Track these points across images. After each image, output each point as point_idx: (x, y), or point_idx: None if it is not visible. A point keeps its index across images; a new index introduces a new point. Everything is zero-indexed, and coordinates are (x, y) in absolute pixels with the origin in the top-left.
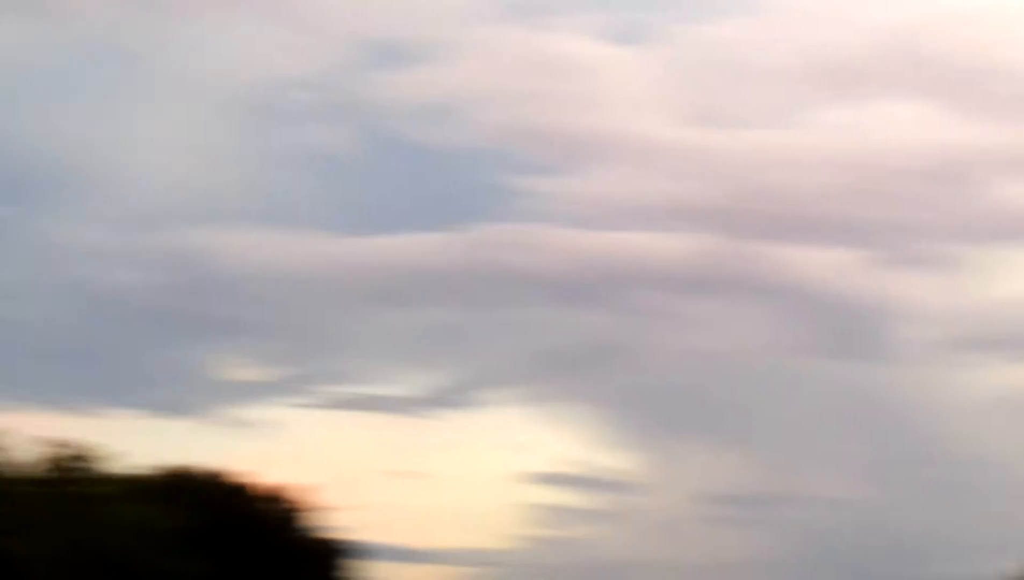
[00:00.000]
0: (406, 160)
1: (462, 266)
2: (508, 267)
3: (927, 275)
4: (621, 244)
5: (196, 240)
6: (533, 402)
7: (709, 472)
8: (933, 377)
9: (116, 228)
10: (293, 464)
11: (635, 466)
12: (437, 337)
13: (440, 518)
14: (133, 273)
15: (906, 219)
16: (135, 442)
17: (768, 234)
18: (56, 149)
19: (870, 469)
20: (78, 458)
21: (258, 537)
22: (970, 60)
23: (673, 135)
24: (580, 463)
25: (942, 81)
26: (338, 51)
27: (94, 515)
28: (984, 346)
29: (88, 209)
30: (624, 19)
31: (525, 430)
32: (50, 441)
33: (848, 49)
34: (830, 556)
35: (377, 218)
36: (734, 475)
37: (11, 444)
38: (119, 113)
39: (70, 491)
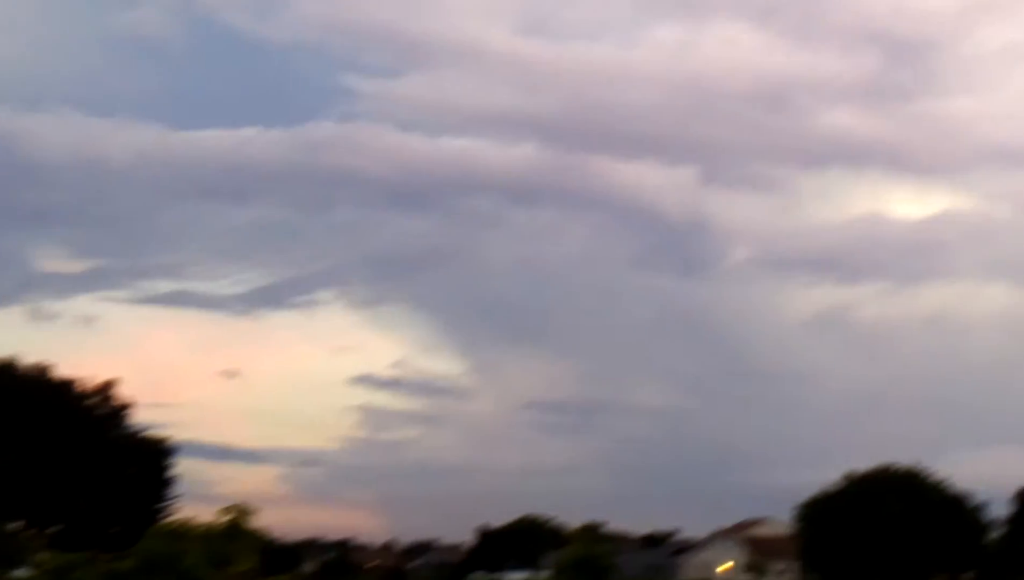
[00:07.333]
0: (236, 53)
1: (291, 164)
2: (339, 168)
3: (751, 195)
4: (454, 150)
5: (12, 124)
6: (361, 305)
7: (533, 379)
8: (753, 294)
9: None
10: (111, 360)
11: (461, 372)
12: (264, 235)
13: (263, 418)
14: None
15: (734, 140)
16: None
17: (599, 148)
18: None
19: (691, 381)
20: None
21: (82, 433)
22: None
23: (509, 44)
24: (406, 367)
25: (775, 8)
26: None
27: None
28: (800, 266)
29: None
30: None
31: (351, 332)
32: None
33: None
34: (651, 464)
35: (204, 112)
36: (558, 383)
37: None
38: None
39: None
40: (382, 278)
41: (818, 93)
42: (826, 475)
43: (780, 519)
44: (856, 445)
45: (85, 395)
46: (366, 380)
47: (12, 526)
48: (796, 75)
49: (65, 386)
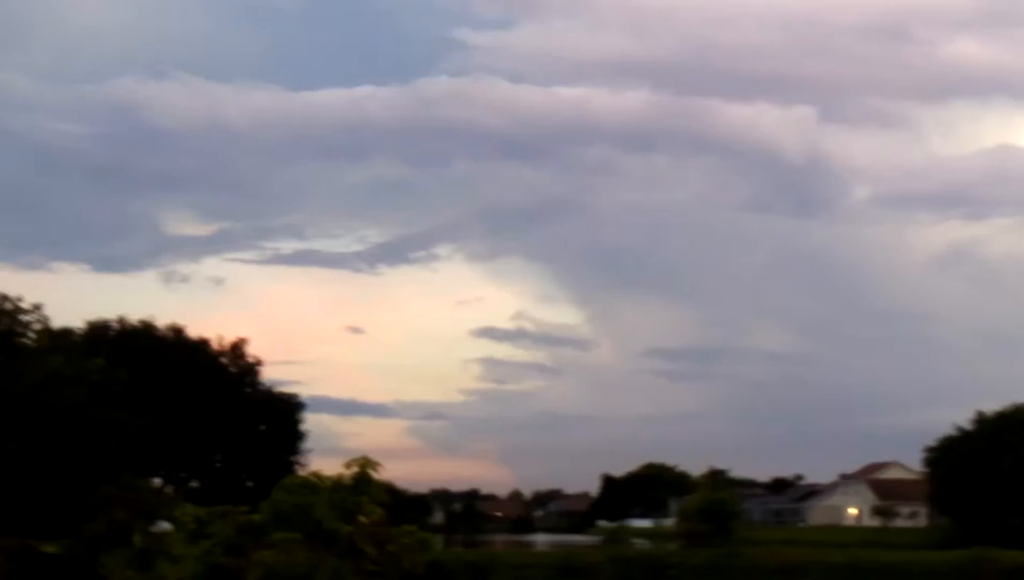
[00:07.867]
0: (348, 12)
1: (408, 121)
2: (454, 122)
3: (872, 132)
4: (567, 100)
5: (137, 92)
6: (479, 258)
7: (652, 327)
8: (875, 233)
9: (53, 78)
10: (240, 319)
11: (580, 321)
12: (381, 192)
13: (388, 372)
14: (72, 125)
15: (852, 76)
16: (76, 296)
17: (712, 90)
18: None
19: (811, 324)
20: (18, 311)
21: (216, 391)
22: None
23: None
24: (526, 318)
25: None
26: None
27: (33, 366)
28: (925, 203)
29: (22, 58)
30: None
31: (471, 286)
32: None
33: None
34: (774, 409)
35: (319, 72)
36: (677, 329)
37: None
38: None
39: (11, 342)
40: (499, 231)
41: (939, 23)
42: (955, 416)
43: (907, 463)
44: (985, 385)
45: (218, 354)
46: (487, 333)
47: (152, 482)
48: (915, 5)
49: (199, 346)
